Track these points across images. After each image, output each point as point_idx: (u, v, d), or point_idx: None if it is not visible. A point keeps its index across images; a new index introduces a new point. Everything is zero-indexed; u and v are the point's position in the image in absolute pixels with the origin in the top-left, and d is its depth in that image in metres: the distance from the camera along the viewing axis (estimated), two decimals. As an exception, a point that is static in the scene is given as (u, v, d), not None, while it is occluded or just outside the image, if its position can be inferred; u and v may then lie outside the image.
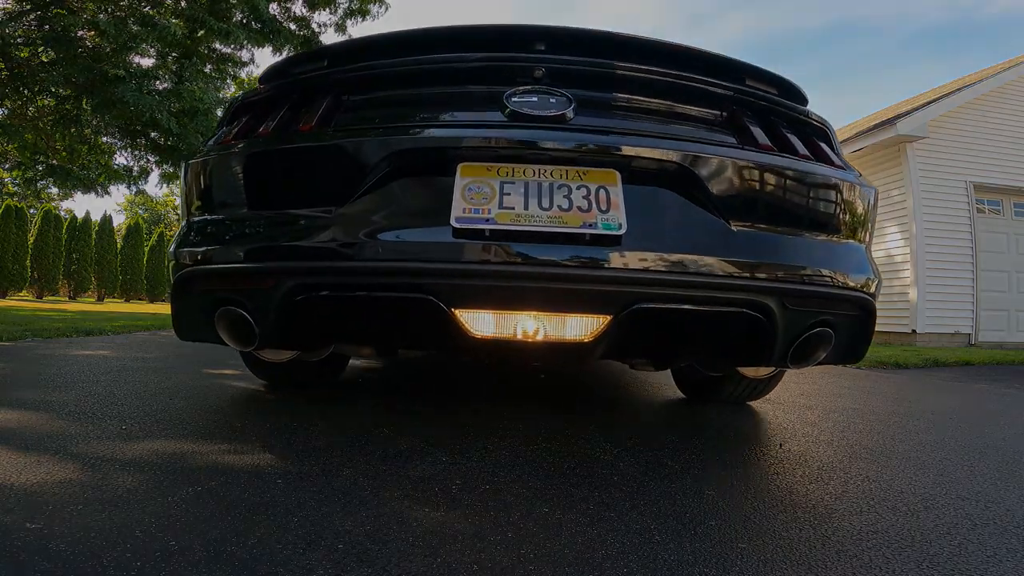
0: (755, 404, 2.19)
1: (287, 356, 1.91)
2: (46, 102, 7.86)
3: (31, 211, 20.30)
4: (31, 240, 18.33)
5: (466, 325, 1.20)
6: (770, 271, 1.24)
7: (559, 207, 1.15)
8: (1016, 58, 8.21)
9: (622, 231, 1.15)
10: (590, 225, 1.15)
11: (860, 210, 1.43)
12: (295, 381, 2.10)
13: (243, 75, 8.85)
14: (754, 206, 1.28)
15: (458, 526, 0.91)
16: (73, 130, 7.63)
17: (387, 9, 8.29)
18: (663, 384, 2.56)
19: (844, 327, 1.36)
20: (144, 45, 6.75)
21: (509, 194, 1.16)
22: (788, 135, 1.39)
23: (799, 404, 2.30)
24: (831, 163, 1.41)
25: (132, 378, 2.26)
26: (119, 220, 32.81)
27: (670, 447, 1.46)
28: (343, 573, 0.74)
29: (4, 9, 6.50)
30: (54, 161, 8.32)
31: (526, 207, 1.15)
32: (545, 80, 1.31)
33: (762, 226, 1.27)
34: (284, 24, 7.51)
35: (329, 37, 8.65)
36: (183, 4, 6.98)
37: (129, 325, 5.40)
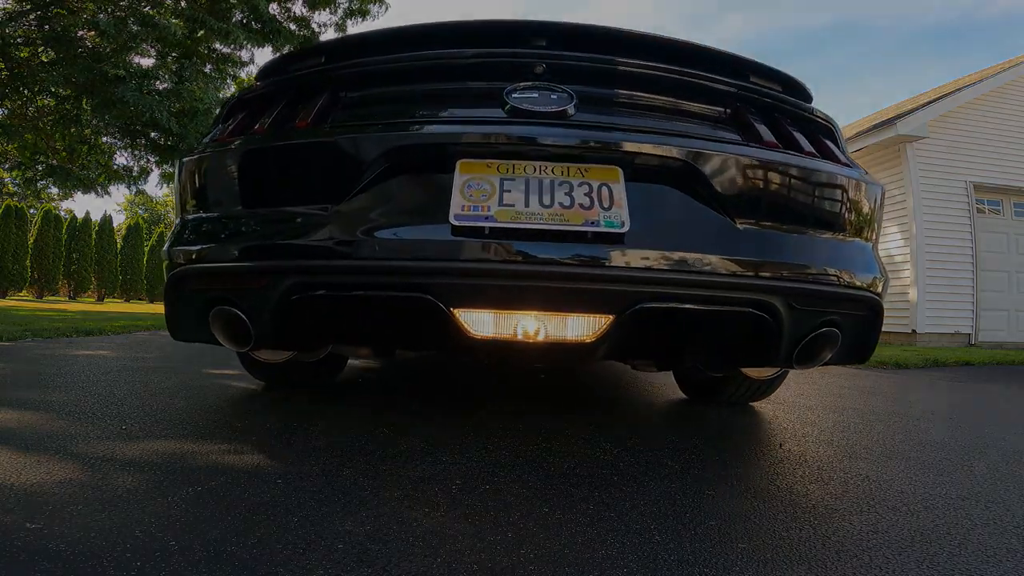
0: (755, 404, 2.18)
1: (284, 356, 1.90)
2: (46, 102, 7.86)
3: (31, 211, 20.30)
4: (31, 240, 18.32)
5: (465, 325, 1.19)
6: (776, 270, 1.22)
7: (560, 204, 1.14)
8: (1016, 58, 8.21)
9: (625, 229, 1.13)
10: (592, 223, 1.13)
11: (867, 208, 1.41)
12: (292, 382, 2.09)
13: (243, 75, 8.84)
14: (759, 204, 1.26)
15: (458, 526, 0.91)
16: (73, 130, 7.62)
17: (387, 9, 8.28)
18: (663, 384, 2.56)
19: (851, 327, 1.34)
20: (144, 45, 6.76)
21: (509, 191, 1.15)
22: (793, 132, 1.38)
23: (799, 404, 2.30)
24: (837, 160, 1.40)
25: (132, 378, 2.26)
26: (119, 220, 32.80)
27: (670, 447, 1.45)
28: (343, 573, 0.74)
29: (4, 9, 6.50)
30: (54, 161, 8.31)
31: (527, 204, 1.13)
32: (546, 76, 1.30)
33: (767, 224, 1.25)
34: (284, 24, 7.50)
35: (329, 37, 8.65)
36: (183, 4, 6.98)
37: (129, 325, 5.40)
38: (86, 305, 13.55)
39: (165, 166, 8.33)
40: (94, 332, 4.56)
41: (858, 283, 1.33)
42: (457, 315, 1.17)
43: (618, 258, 1.14)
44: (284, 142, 1.29)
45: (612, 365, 3.00)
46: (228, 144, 1.37)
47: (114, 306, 14.24)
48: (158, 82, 7.11)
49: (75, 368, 2.51)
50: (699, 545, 0.87)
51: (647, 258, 1.15)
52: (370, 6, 8.01)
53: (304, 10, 7.80)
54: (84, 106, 7.20)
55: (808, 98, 1.53)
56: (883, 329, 1.42)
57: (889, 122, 7.27)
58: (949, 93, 7.60)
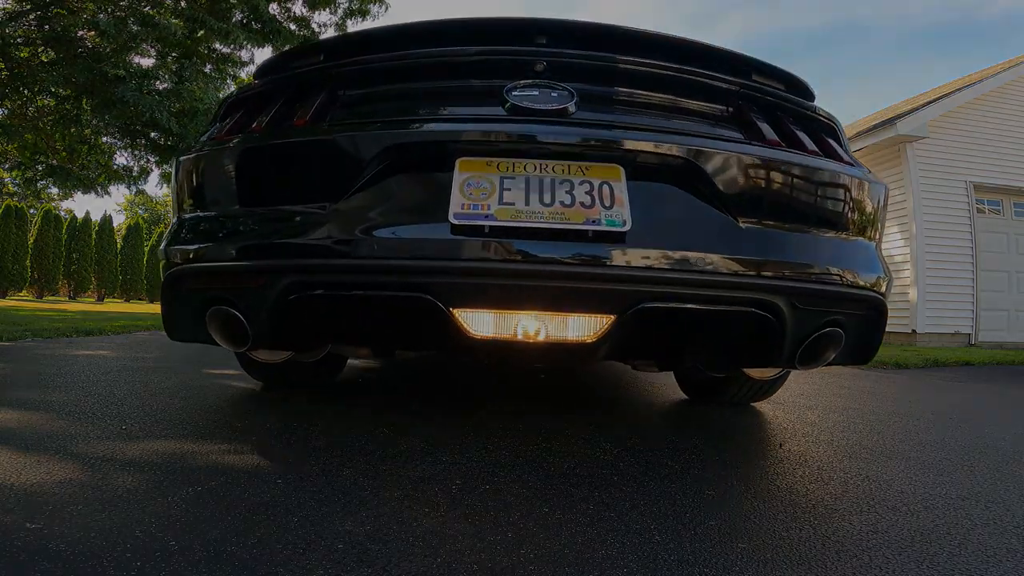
0: (755, 404, 2.18)
1: (282, 357, 1.88)
2: (46, 102, 7.86)
3: (31, 211, 20.30)
4: (31, 240, 18.33)
5: (465, 325, 1.17)
6: (779, 269, 1.21)
7: (561, 203, 1.12)
8: (1016, 58, 8.21)
9: (626, 228, 1.12)
10: (593, 221, 1.12)
11: (870, 207, 1.40)
12: (291, 382, 2.08)
13: (243, 75, 8.85)
14: (763, 202, 1.25)
15: (458, 526, 0.91)
16: (73, 130, 7.63)
17: (387, 9, 8.28)
18: (664, 384, 2.56)
19: (854, 327, 1.33)
20: (144, 45, 6.76)
21: (509, 189, 1.13)
22: (796, 131, 1.37)
23: (799, 404, 2.30)
24: (840, 159, 1.39)
25: (132, 378, 2.26)
26: (119, 220, 32.83)
27: (670, 447, 1.45)
28: (343, 573, 0.74)
29: (4, 9, 6.50)
30: (54, 161, 8.32)
31: (527, 203, 1.12)
32: (546, 74, 1.28)
33: (770, 223, 1.24)
34: (284, 24, 7.51)
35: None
36: (183, 4, 6.98)
37: (129, 325, 5.40)
38: (86, 305, 13.55)
39: (165, 166, 8.34)
40: (94, 332, 4.56)
41: (862, 283, 1.32)
42: (456, 315, 1.16)
43: (620, 257, 1.13)
44: (282, 140, 1.27)
45: (612, 365, 3.00)
46: (225, 142, 1.35)
47: (114, 306, 14.24)
48: (158, 82, 7.12)
49: (75, 368, 2.51)
50: (699, 545, 0.87)
51: (649, 257, 1.13)
52: (370, 6, 8.02)
53: (304, 10, 7.81)
54: (84, 106, 7.20)
55: (811, 96, 1.52)
56: (884, 329, 1.42)
57: (889, 122, 7.27)
58: (949, 93, 7.60)
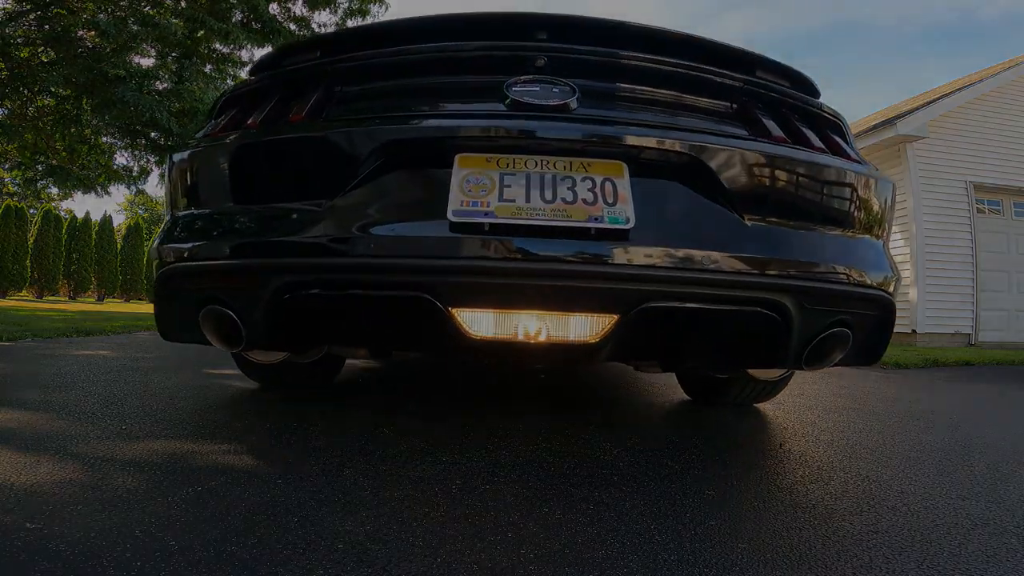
0: (756, 404, 2.18)
1: (279, 357, 1.86)
2: (46, 102, 7.86)
3: (31, 211, 20.30)
4: (31, 240, 18.32)
5: (464, 325, 1.15)
6: (786, 268, 1.18)
7: (563, 200, 1.10)
8: (1016, 58, 8.21)
9: (630, 225, 1.09)
10: (596, 219, 1.09)
11: (877, 205, 1.38)
12: (288, 383, 2.06)
13: (243, 75, 8.85)
14: (768, 200, 1.23)
15: (458, 526, 0.91)
16: (73, 130, 7.63)
17: (387, 8, 8.30)
18: (664, 384, 2.56)
19: (862, 327, 1.31)
20: (144, 45, 6.76)
21: (510, 186, 1.11)
22: (801, 128, 1.35)
23: (799, 404, 2.29)
24: (847, 156, 1.37)
25: (132, 378, 2.26)
26: (119, 220, 32.81)
27: (670, 447, 1.45)
28: (343, 573, 0.74)
29: (4, 9, 6.50)
30: (54, 161, 8.32)
31: (528, 200, 1.10)
32: (548, 69, 1.26)
33: (777, 221, 1.22)
34: (284, 24, 7.52)
35: (329, 37, 8.64)
36: (183, 4, 6.98)
37: (129, 325, 5.40)
38: (86, 305, 13.54)
39: (165, 166, 8.34)
40: (94, 332, 4.56)
41: (869, 282, 1.29)
42: (455, 315, 1.13)
43: (623, 255, 1.10)
44: (277, 136, 1.25)
45: (613, 365, 3.00)
46: (220, 139, 1.33)
47: (114, 306, 14.24)
48: (158, 82, 7.13)
49: (75, 368, 2.51)
50: (699, 545, 0.87)
51: (653, 255, 1.11)
52: (370, 6, 8.03)
53: (304, 10, 7.82)
54: (84, 106, 7.21)
55: (816, 93, 1.50)
56: (884, 329, 1.41)
57: (889, 122, 7.26)
58: (949, 93, 7.60)
